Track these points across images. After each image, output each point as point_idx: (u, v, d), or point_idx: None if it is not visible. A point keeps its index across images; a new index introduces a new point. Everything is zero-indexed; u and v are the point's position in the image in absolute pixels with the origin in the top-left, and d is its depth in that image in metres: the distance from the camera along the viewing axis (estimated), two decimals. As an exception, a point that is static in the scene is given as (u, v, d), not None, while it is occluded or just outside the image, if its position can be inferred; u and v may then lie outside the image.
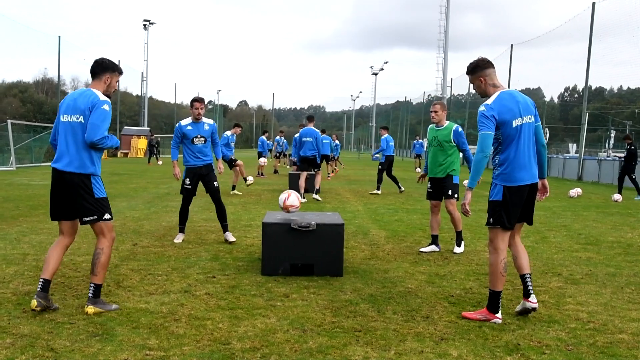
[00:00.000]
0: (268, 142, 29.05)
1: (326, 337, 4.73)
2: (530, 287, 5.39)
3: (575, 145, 56.53)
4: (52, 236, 9.01)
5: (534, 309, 5.35)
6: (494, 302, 5.27)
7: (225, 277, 6.69)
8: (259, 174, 25.70)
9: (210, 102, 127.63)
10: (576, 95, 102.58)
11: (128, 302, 5.56)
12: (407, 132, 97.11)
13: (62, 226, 5.50)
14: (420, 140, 40.43)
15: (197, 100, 8.93)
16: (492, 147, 5.33)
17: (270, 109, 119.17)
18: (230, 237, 8.97)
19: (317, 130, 15.79)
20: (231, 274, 6.86)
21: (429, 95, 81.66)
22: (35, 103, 71.79)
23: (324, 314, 5.37)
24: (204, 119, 9.02)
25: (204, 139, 8.91)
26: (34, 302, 5.09)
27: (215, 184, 8.95)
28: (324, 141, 24.86)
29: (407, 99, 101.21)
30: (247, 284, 6.40)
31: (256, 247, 8.35)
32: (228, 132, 18.06)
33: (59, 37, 40.65)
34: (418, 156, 39.40)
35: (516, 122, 5.24)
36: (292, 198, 7.29)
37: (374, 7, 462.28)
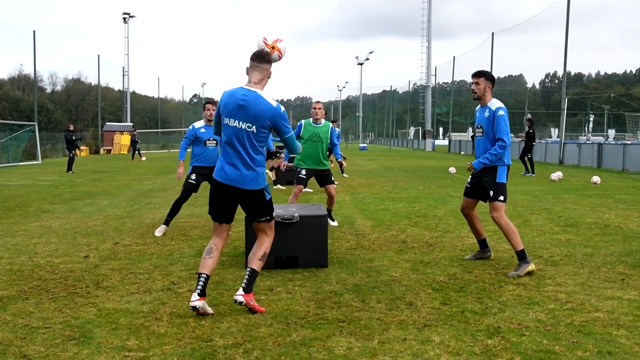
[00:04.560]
0: None
1: (310, 329, 4.71)
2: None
3: (556, 129, 57.02)
4: (28, 238, 8.84)
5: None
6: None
7: (208, 272, 6.61)
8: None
9: (195, 95, 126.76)
10: (557, 81, 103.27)
11: (108, 302, 5.47)
12: (394, 121, 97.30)
13: None
14: None
15: (210, 102, 9.08)
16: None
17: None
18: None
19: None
20: (215, 269, 6.78)
21: (415, 84, 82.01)
22: (11, 100, 70.10)
23: (308, 306, 5.34)
24: None
25: (216, 142, 8.80)
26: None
27: None
28: None
29: (393, 89, 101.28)
30: (231, 279, 6.35)
31: (240, 242, 8.27)
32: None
33: (34, 31, 40.23)
34: None
35: None
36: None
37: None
